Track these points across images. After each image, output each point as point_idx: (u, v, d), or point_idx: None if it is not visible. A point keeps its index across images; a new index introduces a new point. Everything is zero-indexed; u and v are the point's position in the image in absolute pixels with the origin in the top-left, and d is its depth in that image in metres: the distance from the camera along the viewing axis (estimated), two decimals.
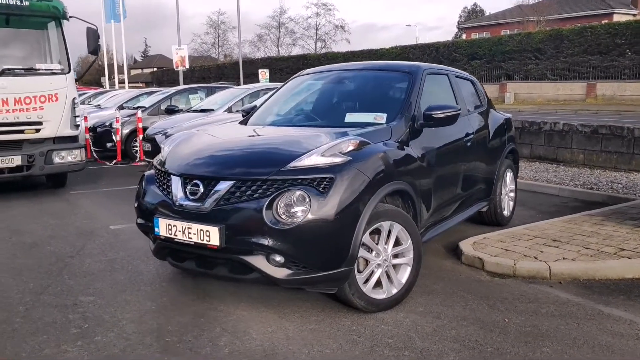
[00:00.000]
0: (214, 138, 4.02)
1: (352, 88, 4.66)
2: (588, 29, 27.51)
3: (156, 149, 9.35)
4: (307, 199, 3.14)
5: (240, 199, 3.26)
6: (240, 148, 3.74)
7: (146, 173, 3.91)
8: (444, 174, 4.30)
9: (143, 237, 5.06)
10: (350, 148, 3.41)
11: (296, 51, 60.17)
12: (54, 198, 7.69)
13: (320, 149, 3.37)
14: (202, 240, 3.27)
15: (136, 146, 11.27)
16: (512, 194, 6.02)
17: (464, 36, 69.65)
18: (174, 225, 3.39)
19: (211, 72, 52.48)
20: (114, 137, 11.45)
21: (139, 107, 12.33)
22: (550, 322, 3.41)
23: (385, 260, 3.54)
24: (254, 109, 5.00)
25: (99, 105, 15.55)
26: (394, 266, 3.62)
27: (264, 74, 31.24)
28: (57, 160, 7.67)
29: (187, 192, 3.42)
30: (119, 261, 4.73)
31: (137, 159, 11.02)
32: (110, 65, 41.79)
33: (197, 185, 3.39)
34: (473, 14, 76.17)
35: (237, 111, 9.41)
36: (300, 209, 3.14)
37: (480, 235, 5.02)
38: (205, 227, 3.25)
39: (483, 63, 31.35)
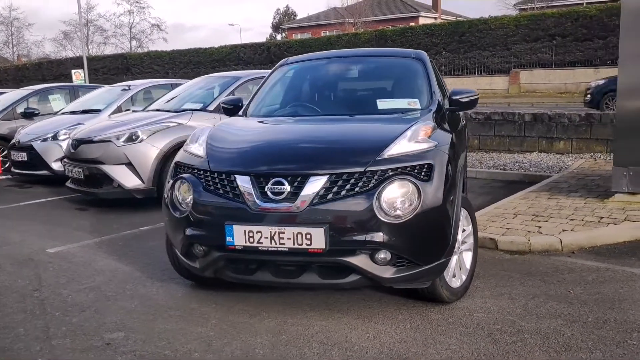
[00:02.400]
0: (264, 132, 3.56)
1: (365, 75, 4.47)
2: (409, 30, 30.09)
3: (36, 159, 8.04)
4: (415, 188, 2.93)
5: (340, 194, 2.92)
6: (313, 141, 3.35)
7: (180, 179, 3.29)
8: (463, 156, 4.35)
9: (104, 257, 4.46)
10: (429, 133, 3.28)
11: (109, 50, 56.16)
12: None
13: (405, 135, 3.17)
14: (301, 244, 2.87)
15: None
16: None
17: (278, 37, 71.65)
18: (258, 232, 2.92)
19: (8, 75, 46.26)
20: None
21: None
22: (606, 287, 3.64)
23: (459, 247, 3.47)
24: (242, 101, 4.53)
25: None
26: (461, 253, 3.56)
27: (78, 74, 28.30)
28: None
29: (268, 193, 2.97)
30: (105, 287, 3.94)
31: None
32: None
33: (281, 184, 2.96)
34: (286, 16, 78.44)
35: (128, 110, 8.50)
36: (411, 200, 2.92)
37: None
38: (304, 230, 2.85)
39: None
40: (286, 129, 3.71)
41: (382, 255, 2.93)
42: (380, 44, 30.41)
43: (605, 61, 23.58)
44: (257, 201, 2.97)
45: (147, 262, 4.49)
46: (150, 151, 6.22)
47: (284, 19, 75.15)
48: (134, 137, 6.26)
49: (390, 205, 2.90)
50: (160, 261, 4.47)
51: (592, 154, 8.37)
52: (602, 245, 4.48)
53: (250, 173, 3.04)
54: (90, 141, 6.39)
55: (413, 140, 3.14)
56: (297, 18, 55.58)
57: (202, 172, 3.23)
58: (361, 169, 2.95)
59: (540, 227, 4.74)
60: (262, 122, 4.03)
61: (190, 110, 6.82)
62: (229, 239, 2.98)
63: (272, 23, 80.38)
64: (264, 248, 2.93)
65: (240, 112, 4.31)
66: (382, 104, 3.99)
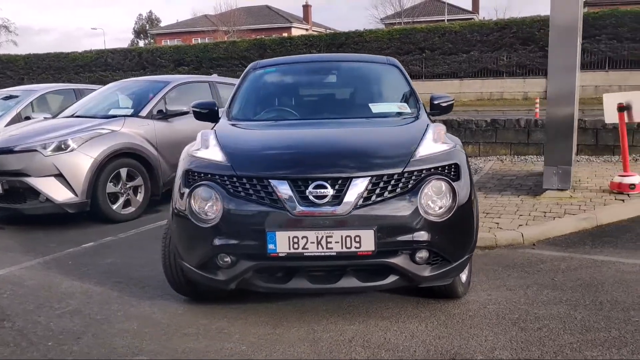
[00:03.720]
0: (283, 136, 3.44)
1: (348, 79, 4.48)
2: (288, 40, 30.48)
3: None
4: (450, 187, 3.03)
5: (383, 195, 2.93)
6: (343, 144, 3.29)
7: (199, 186, 3.06)
8: None
9: (62, 278, 4.18)
10: (444, 134, 3.41)
11: None
12: None
13: (428, 137, 3.27)
14: (349, 247, 2.83)
15: None
16: None
17: (141, 43, 68.70)
18: (303, 237, 2.83)
19: None
20: None
21: None
22: (581, 273, 4.01)
23: None
24: (216, 105, 4.33)
25: None
26: None
27: None
28: None
29: (310, 197, 2.88)
30: (87, 310, 3.56)
31: None
32: None
33: (324, 187, 2.89)
34: (149, 22, 75.55)
35: (28, 118, 7.72)
36: (447, 198, 3.01)
37: None
38: (352, 233, 2.82)
39: (191, 69, 31.66)
40: (305, 133, 3.61)
41: (422, 254, 2.98)
42: (260, 53, 30.48)
43: (469, 74, 25.82)
44: (299, 206, 2.87)
45: (117, 281, 4.11)
46: (83, 161, 5.68)
47: (147, 25, 72.38)
48: (63, 146, 5.68)
49: (431, 204, 2.97)
50: (133, 279, 4.14)
51: (497, 156, 9.14)
52: (555, 237, 4.93)
53: (288, 177, 2.93)
54: (9, 151, 5.68)
55: (438, 142, 3.25)
56: (166, 24, 53.67)
57: (226, 179, 3.04)
58: (399, 170, 2.99)
59: (497, 223, 5.10)
60: (267, 126, 3.89)
61: (121, 116, 6.34)
62: (270, 246, 2.85)
63: (134, 29, 77.16)
64: (310, 254, 2.85)
65: (223, 117, 4.11)
66: (375, 107, 4.05)
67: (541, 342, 2.97)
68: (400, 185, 2.97)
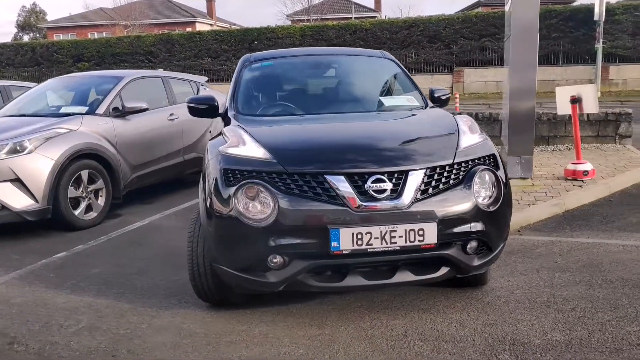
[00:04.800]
0: (321, 130, 3.32)
1: (350, 73, 4.41)
2: (197, 35, 29.57)
3: None
4: (495, 177, 3.10)
5: (439, 187, 2.93)
6: (390, 137, 3.21)
7: (245, 185, 2.89)
8: None
9: (52, 293, 3.88)
10: (474, 124, 3.48)
11: None
12: None
13: (464, 129, 3.32)
14: (413, 241, 2.81)
15: None
16: None
17: (25, 37, 63.91)
18: (367, 233, 2.77)
19: None
20: None
21: None
22: (579, 255, 4.24)
23: None
24: (216, 100, 4.11)
25: None
26: None
27: None
28: None
29: (370, 191, 2.82)
30: (105, 325, 3.26)
31: None
32: None
33: (382, 181, 2.84)
34: (33, 14, 70.40)
35: None
36: (494, 188, 3.08)
37: None
38: (416, 226, 2.80)
39: (92, 65, 29.86)
40: (342, 127, 3.50)
41: (472, 244, 3.03)
42: (167, 48, 29.47)
43: None
44: (359, 201, 2.81)
45: (119, 292, 3.81)
46: (43, 164, 5.18)
47: (32, 18, 67.37)
48: (19, 148, 5.14)
49: (482, 195, 3.02)
50: (136, 289, 3.87)
51: None
52: (535, 223, 5.20)
53: (345, 172, 2.85)
54: None
55: (475, 133, 3.30)
56: (57, 17, 50.10)
57: (275, 176, 2.90)
58: (449, 162, 3.01)
59: None
60: (292, 121, 3.75)
61: (77, 114, 5.85)
62: (334, 244, 2.76)
63: (17, 22, 71.51)
64: (374, 249, 2.79)
65: (231, 113, 3.90)
66: (387, 100, 4.05)
67: (581, 321, 3.12)
68: (452, 176, 2.99)
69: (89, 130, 5.71)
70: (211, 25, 43.41)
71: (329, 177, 2.85)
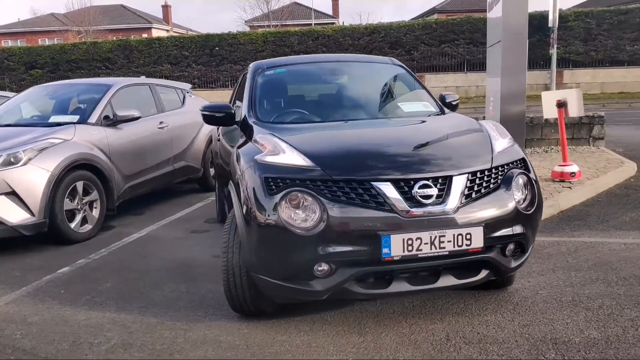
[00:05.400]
0: (358, 137, 3.32)
1: (363, 80, 4.42)
2: (156, 41, 29.02)
3: None
4: (528, 180, 3.18)
5: (481, 192, 2.99)
6: (427, 142, 3.24)
7: (291, 192, 2.86)
8: None
9: (68, 310, 3.73)
10: (501, 128, 3.56)
11: None
12: None
13: (493, 134, 3.39)
14: (461, 246, 2.85)
15: None
16: None
17: None
18: (417, 238, 2.79)
19: None
20: None
21: None
22: (587, 254, 4.39)
23: None
24: (232, 108, 4.06)
25: None
26: None
27: None
28: None
29: (417, 197, 2.85)
30: (139, 342, 3.16)
31: None
32: None
33: (429, 187, 2.87)
34: None
35: None
36: (528, 191, 3.16)
37: None
38: (464, 231, 2.84)
39: (46, 73, 28.92)
40: (379, 133, 3.52)
41: (510, 246, 3.09)
42: (126, 54, 28.83)
43: None
44: (407, 207, 2.83)
45: (141, 306, 3.71)
46: (39, 175, 4.98)
47: None
48: (13, 160, 4.92)
49: (520, 198, 3.09)
50: (157, 303, 3.77)
51: None
52: None
53: (391, 179, 2.87)
54: None
55: (505, 137, 3.38)
56: (4, 23, 48.28)
57: (320, 183, 2.88)
58: (488, 166, 3.07)
59: None
60: (323, 127, 3.73)
61: (70, 123, 5.66)
62: (385, 250, 2.77)
63: None
64: (424, 255, 2.82)
65: (252, 120, 3.85)
66: (405, 106, 4.10)
67: (612, 318, 3.22)
68: (492, 181, 3.05)
69: (82, 140, 5.53)
70: (167, 31, 42.80)
71: (375, 184, 2.86)
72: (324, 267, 2.87)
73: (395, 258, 2.80)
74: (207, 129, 7.60)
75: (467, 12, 34.83)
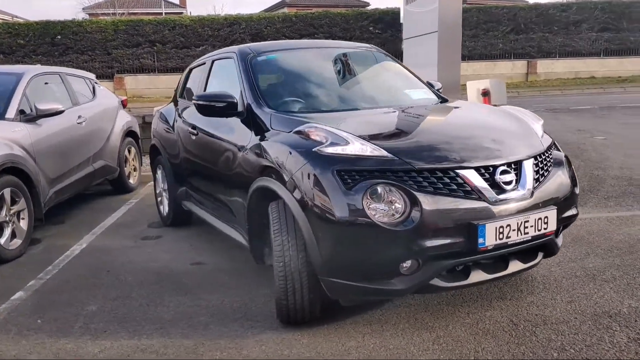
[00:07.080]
0: (419, 123, 3.11)
1: (363, 66, 4.20)
2: None
3: None
4: (567, 162, 3.31)
5: (545, 175, 3.02)
6: (491, 128, 3.20)
7: (377, 185, 2.62)
8: None
9: (51, 338, 3.17)
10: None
11: None
12: None
13: (524, 117, 3.46)
14: (540, 229, 2.85)
15: None
16: None
17: None
18: (507, 225, 2.73)
19: None
20: None
21: None
22: (598, 238, 4.62)
23: None
24: (234, 97, 3.62)
25: None
26: None
27: None
28: None
29: (500, 183, 2.78)
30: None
31: None
32: None
33: (508, 172, 2.82)
34: None
35: None
36: (569, 172, 3.26)
37: None
38: (542, 214, 2.85)
39: None
40: (436, 121, 3.36)
41: (561, 229, 3.19)
42: None
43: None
44: (495, 194, 2.76)
45: (157, 327, 3.21)
46: None
47: None
48: None
49: (572, 179, 3.19)
50: (169, 320, 3.33)
51: None
52: None
53: (474, 166, 2.76)
54: None
55: (540, 122, 3.46)
56: None
57: (402, 174, 2.68)
58: (543, 149, 3.11)
59: None
60: (358, 114, 3.49)
61: None
62: (480, 240, 2.66)
63: None
64: (512, 241, 2.77)
65: (266, 110, 3.45)
66: (413, 93, 4.00)
67: (632, 287, 3.47)
68: (548, 164, 3.10)
69: (4, 140, 4.60)
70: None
71: (461, 172, 2.74)
72: (411, 262, 2.69)
73: (489, 247, 2.71)
74: (121, 123, 6.84)
75: (316, 6, 35.72)
